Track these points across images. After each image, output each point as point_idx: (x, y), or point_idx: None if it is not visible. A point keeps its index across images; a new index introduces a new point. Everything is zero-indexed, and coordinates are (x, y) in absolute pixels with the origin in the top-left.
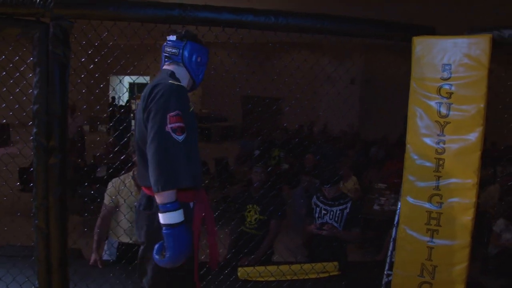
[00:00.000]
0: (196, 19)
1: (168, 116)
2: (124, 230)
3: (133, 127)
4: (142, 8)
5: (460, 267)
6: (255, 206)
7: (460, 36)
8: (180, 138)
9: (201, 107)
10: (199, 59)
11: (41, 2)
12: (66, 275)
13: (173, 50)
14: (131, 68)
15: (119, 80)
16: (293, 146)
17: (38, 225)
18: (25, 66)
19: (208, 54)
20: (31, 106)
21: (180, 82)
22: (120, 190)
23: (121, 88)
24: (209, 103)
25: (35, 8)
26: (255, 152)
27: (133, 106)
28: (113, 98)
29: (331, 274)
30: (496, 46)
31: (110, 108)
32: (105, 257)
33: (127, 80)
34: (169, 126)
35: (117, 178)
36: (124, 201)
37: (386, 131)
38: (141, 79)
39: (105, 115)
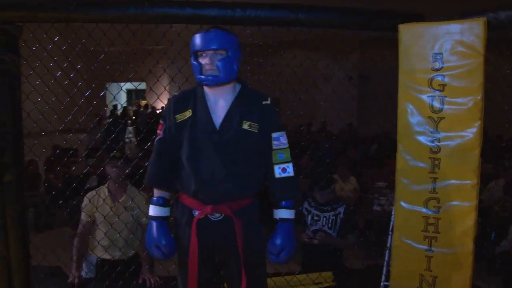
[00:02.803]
0: (155, 16)
1: None
2: (104, 247)
3: (127, 135)
4: (95, 7)
5: (463, 277)
6: None
7: (451, 22)
8: (156, 143)
9: None
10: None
11: None
12: None
13: None
14: (132, 74)
15: (120, 88)
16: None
17: None
18: None
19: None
20: None
21: None
22: (97, 204)
23: (117, 95)
24: None
25: None
26: None
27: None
28: (115, 106)
29: (324, 286)
30: (492, 30)
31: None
32: (84, 275)
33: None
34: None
35: (93, 191)
36: (103, 217)
37: (386, 128)
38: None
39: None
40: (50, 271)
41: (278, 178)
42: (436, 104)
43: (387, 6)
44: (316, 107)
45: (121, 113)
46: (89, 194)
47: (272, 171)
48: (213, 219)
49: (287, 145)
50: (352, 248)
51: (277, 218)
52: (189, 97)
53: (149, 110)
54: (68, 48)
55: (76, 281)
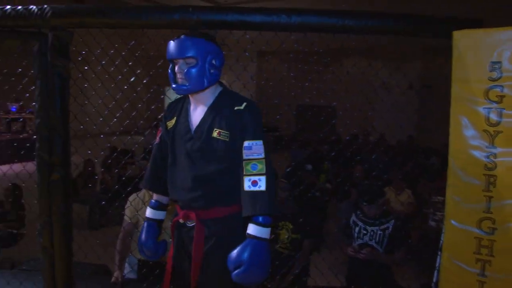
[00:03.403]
0: (199, 22)
1: None
2: None
3: None
4: (142, 14)
5: None
6: (287, 223)
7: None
8: (153, 148)
9: None
10: None
11: (39, 13)
12: None
13: None
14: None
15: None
16: (343, 157)
17: (42, 244)
18: (26, 79)
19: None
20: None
21: None
22: (139, 207)
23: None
24: (263, 112)
25: (33, 19)
26: (307, 166)
27: None
28: None
29: None
30: None
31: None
32: (128, 275)
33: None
34: None
35: (135, 194)
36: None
37: (447, 140)
38: None
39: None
40: (96, 268)
41: (247, 191)
42: (493, 117)
43: (443, 12)
44: (374, 116)
45: None
46: (131, 197)
47: (242, 183)
48: (187, 224)
49: (262, 156)
50: (401, 264)
51: (247, 232)
52: (178, 104)
53: None
54: (128, 53)
55: (118, 281)
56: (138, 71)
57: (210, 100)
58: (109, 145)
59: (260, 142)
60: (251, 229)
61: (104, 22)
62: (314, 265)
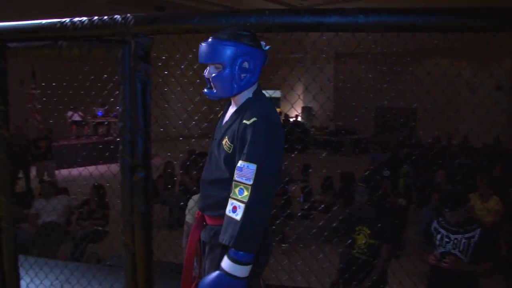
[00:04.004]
0: (274, 25)
1: None
2: None
3: None
4: (218, 18)
5: None
6: (364, 228)
7: None
8: None
9: (331, 120)
10: None
11: (122, 22)
12: None
13: None
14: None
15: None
16: (424, 161)
17: (124, 242)
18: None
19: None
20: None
21: None
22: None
23: None
24: (340, 115)
25: (117, 28)
26: (385, 172)
27: None
28: None
29: None
30: None
31: None
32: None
33: None
34: None
35: (198, 194)
36: None
37: None
38: (273, 93)
39: None
40: (177, 267)
41: (226, 215)
42: None
43: None
44: (458, 118)
45: None
46: (195, 197)
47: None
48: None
49: (250, 181)
50: (488, 276)
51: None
52: (228, 102)
53: (283, 118)
54: None
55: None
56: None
57: (238, 105)
58: (188, 147)
59: (253, 166)
60: (223, 261)
61: (182, 28)
62: (392, 272)
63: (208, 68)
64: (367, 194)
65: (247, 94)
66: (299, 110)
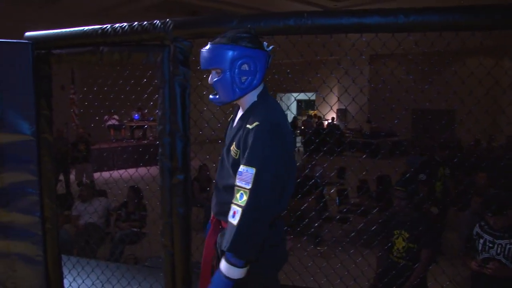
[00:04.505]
0: (313, 26)
1: None
2: None
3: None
4: (256, 21)
5: None
6: (403, 232)
7: None
8: None
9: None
10: None
11: (162, 26)
12: None
13: None
14: (295, 85)
15: (293, 98)
16: (465, 164)
17: (164, 243)
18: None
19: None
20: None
21: None
22: None
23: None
24: (380, 116)
25: (157, 33)
26: (421, 176)
27: (298, 123)
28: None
29: None
30: None
31: None
32: None
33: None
34: None
35: None
36: None
37: None
38: (303, 96)
39: None
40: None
41: (228, 221)
42: None
43: None
44: (502, 119)
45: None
46: None
47: None
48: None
49: (248, 186)
50: None
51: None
52: (235, 112)
53: (316, 120)
54: None
55: None
56: None
57: (245, 109)
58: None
59: (252, 170)
60: (221, 262)
61: (221, 31)
62: (434, 277)
63: (210, 74)
64: (406, 198)
65: (252, 97)
66: (328, 113)
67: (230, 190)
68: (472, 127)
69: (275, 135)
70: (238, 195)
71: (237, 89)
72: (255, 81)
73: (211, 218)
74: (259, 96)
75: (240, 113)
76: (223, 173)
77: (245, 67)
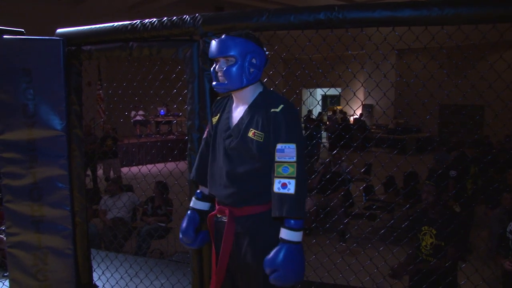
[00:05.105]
0: (345, 20)
1: None
2: None
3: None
4: (286, 15)
5: None
6: (431, 228)
7: None
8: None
9: (394, 117)
10: None
11: (191, 21)
12: None
13: None
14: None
15: (309, 93)
16: (496, 161)
17: None
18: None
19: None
20: (186, 122)
21: None
22: None
23: (313, 101)
24: (404, 112)
25: (186, 28)
26: (451, 173)
27: (324, 118)
28: (310, 111)
29: None
30: None
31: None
32: None
33: (318, 92)
34: None
35: None
36: None
37: None
38: (332, 91)
39: None
40: None
41: (276, 193)
42: None
43: None
44: None
45: (314, 117)
46: None
47: (272, 184)
48: (222, 219)
49: (294, 159)
50: None
51: (280, 237)
52: (223, 102)
53: (341, 115)
54: (273, 55)
55: None
56: (271, 72)
57: (250, 100)
58: None
59: (292, 145)
60: (283, 233)
61: (250, 25)
62: (466, 276)
63: (217, 63)
64: (435, 193)
65: (257, 89)
66: (358, 108)
67: (254, 173)
68: (506, 123)
69: (298, 116)
70: (280, 169)
71: (244, 79)
72: (259, 75)
73: (215, 211)
74: (264, 87)
75: (241, 106)
76: (240, 160)
77: (254, 61)
